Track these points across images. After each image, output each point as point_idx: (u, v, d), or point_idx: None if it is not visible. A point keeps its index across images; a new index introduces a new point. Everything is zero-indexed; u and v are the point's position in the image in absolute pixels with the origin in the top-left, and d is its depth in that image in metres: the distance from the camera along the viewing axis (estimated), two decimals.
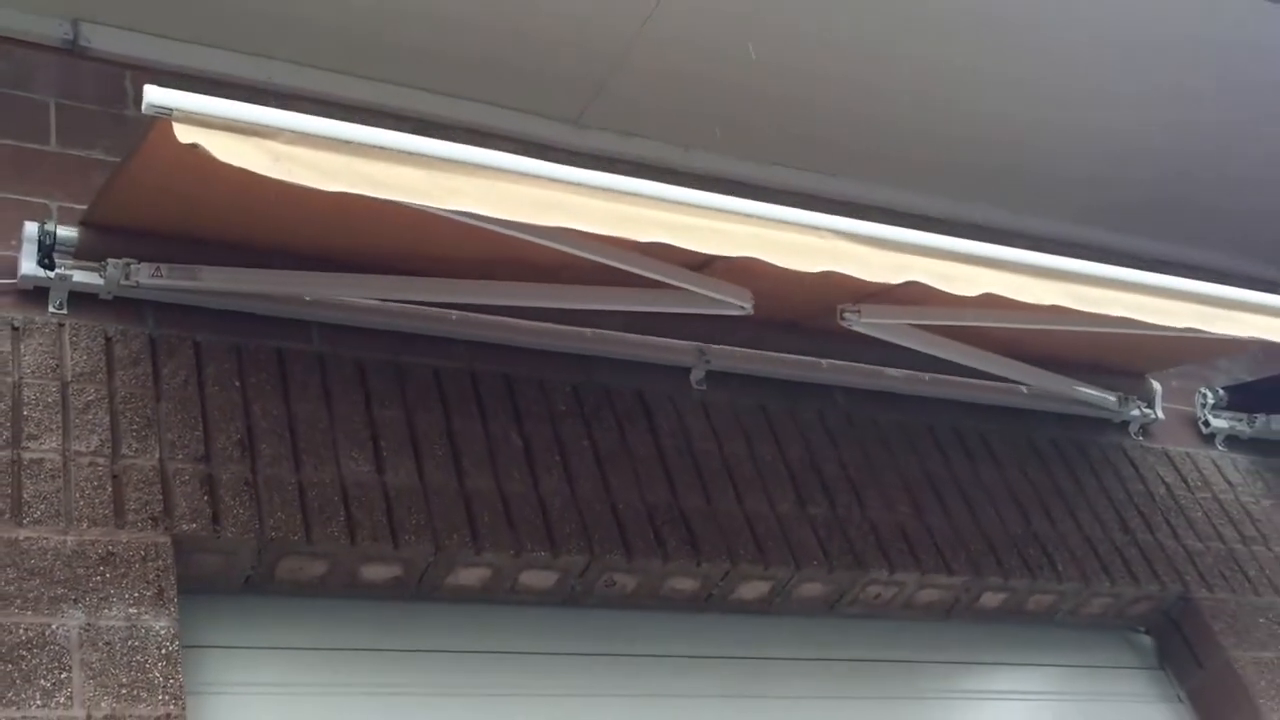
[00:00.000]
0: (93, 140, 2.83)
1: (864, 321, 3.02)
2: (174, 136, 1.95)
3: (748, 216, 2.37)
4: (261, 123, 2.01)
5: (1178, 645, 3.38)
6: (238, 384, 2.56)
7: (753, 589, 2.87)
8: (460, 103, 3.40)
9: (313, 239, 2.63)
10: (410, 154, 2.11)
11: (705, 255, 2.57)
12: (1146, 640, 3.45)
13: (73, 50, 2.99)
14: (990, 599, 3.16)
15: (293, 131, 2.03)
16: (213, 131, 1.96)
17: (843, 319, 3.02)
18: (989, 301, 2.54)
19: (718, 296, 2.79)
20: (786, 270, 2.26)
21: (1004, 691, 3.23)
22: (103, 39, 3.02)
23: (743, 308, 2.81)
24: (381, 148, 2.09)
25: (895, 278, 2.42)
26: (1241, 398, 3.96)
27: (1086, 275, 2.69)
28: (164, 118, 1.96)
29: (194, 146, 1.93)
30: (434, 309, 2.82)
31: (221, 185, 2.17)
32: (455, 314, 2.86)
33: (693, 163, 3.70)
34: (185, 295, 2.59)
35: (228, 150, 1.94)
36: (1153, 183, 4.20)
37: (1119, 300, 2.67)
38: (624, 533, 2.71)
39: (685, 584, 2.80)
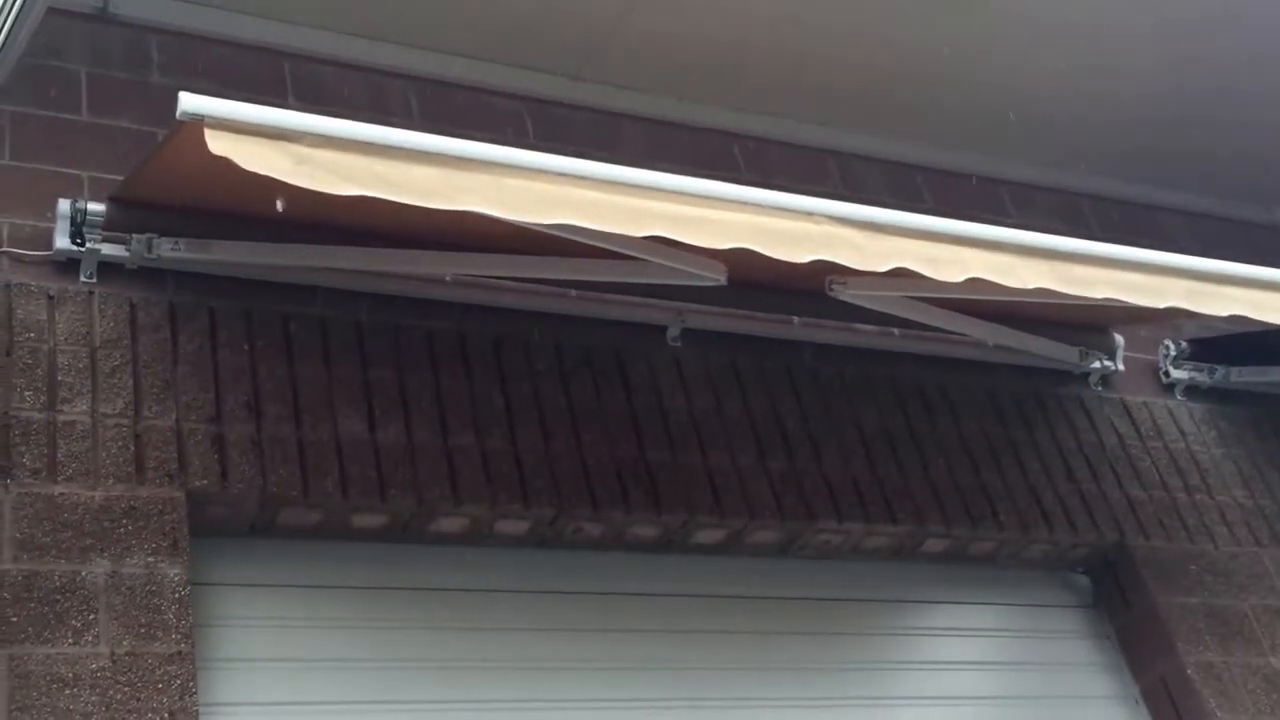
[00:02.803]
0: (121, 109, 3.08)
1: (850, 293, 3.21)
2: (200, 137, 2.16)
3: (744, 204, 2.53)
4: (287, 126, 2.22)
5: (1111, 588, 3.67)
6: (247, 347, 2.85)
7: (709, 535, 3.18)
8: (463, 60, 3.60)
9: (319, 213, 2.87)
10: (424, 153, 2.30)
11: None
12: (1084, 581, 3.74)
13: (103, 17, 3.22)
14: (934, 545, 3.45)
15: (315, 134, 2.22)
16: (241, 137, 2.17)
17: (830, 290, 3.20)
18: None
19: (694, 270, 3.00)
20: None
21: (948, 628, 3.53)
22: (130, 5, 3.24)
23: (717, 280, 3.02)
24: (397, 148, 2.29)
25: (883, 265, 2.54)
26: (1205, 349, 4.15)
27: (1074, 253, 2.81)
28: (195, 123, 2.16)
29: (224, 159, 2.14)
30: (430, 273, 3.09)
31: (238, 171, 2.37)
32: (449, 276, 3.13)
33: (687, 114, 3.89)
34: (201, 265, 2.88)
35: (254, 158, 2.14)
36: (1144, 128, 4.32)
37: (1107, 279, 2.78)
38: (591, 486, 3.01)
39: (646, 531, 3.11)
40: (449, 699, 2.79)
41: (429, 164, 2.30)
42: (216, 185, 2.66)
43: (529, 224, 2.40)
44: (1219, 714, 3.42)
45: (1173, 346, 4.11)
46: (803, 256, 2.46)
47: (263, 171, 2.14)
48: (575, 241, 2.73)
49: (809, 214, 2.57)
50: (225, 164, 2.17)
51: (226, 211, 2.87)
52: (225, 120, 2.19)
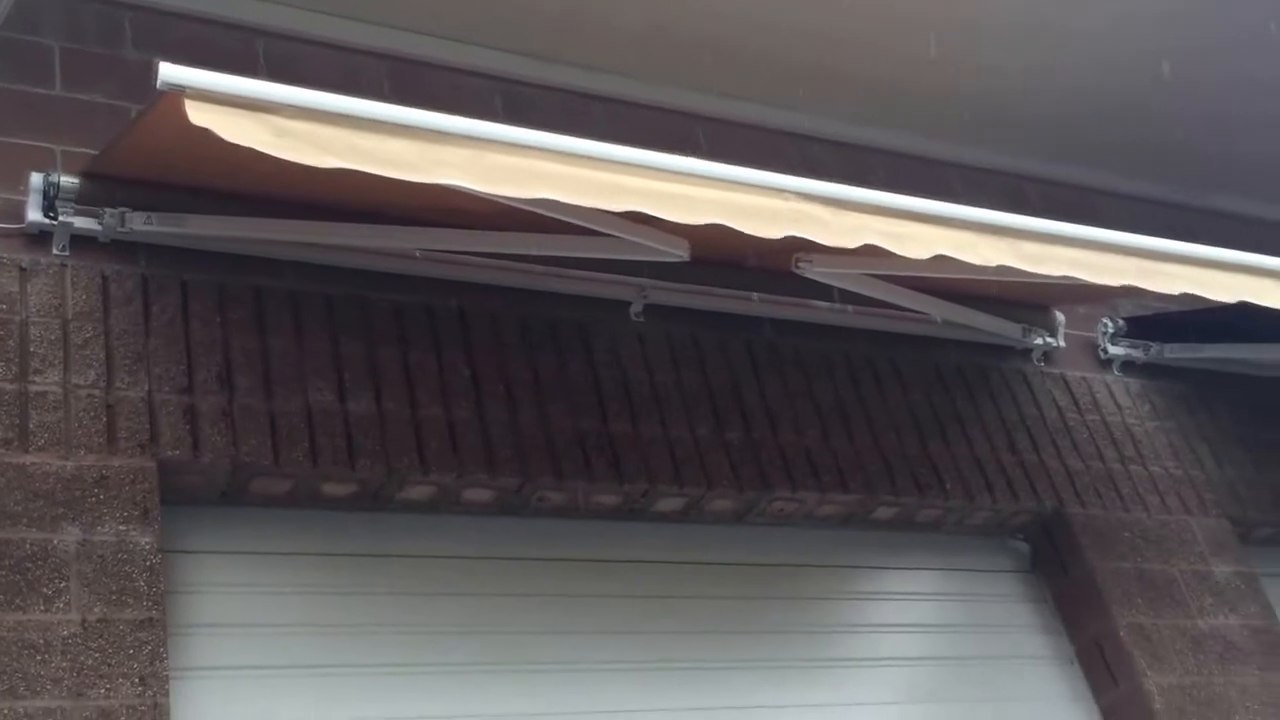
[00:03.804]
0: (94, 84, 2.95)
1: (817, 270, 3.16)
2: (180, 108, 2.05)
3: (717, 180, 2.47)
4: (267, 98, 2.12)
5: (1049, 553, 3.65)
6: (219, 320, 2.76)
7: (669, 504, 3.12)
8: (435, 40, 3.50)
9: (292, 188, 2.77)
10: (402, 126, 2.21)
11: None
12: (1024, 547, 3.71)
13: None
14: (883, 513, 3.41)
15: (294, 106, 2.13)
16: (221, 109, 2.06)
17: (797, 267, 3.14)
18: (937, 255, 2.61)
19: (657, 246, 2.93)
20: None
21: (896, 592, 3.50)
22: None
23: (679, 255, 2.95)
24: (376, 120, 2.19)
25: (851, 242, 2.50)
26: (1141, 327, 4.13)
27: (1034, 232, 2.78)
28: (175, 94, 2.05)
29: (204, 130, 2.02)
30: (398, 248, 3.00)
31: (214, 144, 2.26)
32: (418, 251, 3.04)
33: (651, 96, 3.80)
34: (174, 238, 2.77)
35: (234, 129, 2.04)
36: (1086, 118, 4.28)
37: (1065, 257, 2.75)
38: (555, 456, 2.94)
39: (608, 499, 3.05)
40: (415, 662, 2.73)
41: (410, 138, 2.22)
42: (192, 157, 2.57)
43: (507, 198, 2.31)
44: (1149, 673, 3.42)
45: (1110, 324, 4.09)
46: (773, 232, 2.40)
47: (243, 143, 2.04)
48: (541, 217, 2.65)
49: (779, 190, 2.51)
50: (202, 135, 2.07)
51: (198, 186, 2.79)
52: (206, 91, 2.08)
